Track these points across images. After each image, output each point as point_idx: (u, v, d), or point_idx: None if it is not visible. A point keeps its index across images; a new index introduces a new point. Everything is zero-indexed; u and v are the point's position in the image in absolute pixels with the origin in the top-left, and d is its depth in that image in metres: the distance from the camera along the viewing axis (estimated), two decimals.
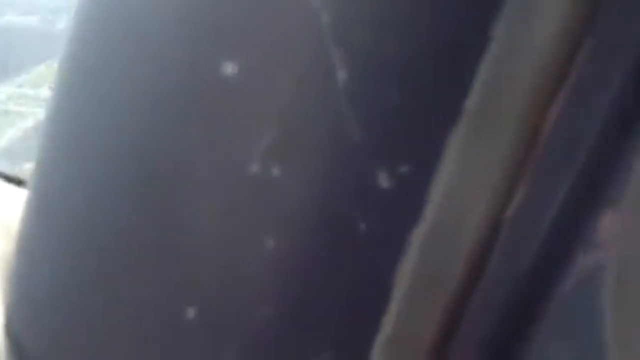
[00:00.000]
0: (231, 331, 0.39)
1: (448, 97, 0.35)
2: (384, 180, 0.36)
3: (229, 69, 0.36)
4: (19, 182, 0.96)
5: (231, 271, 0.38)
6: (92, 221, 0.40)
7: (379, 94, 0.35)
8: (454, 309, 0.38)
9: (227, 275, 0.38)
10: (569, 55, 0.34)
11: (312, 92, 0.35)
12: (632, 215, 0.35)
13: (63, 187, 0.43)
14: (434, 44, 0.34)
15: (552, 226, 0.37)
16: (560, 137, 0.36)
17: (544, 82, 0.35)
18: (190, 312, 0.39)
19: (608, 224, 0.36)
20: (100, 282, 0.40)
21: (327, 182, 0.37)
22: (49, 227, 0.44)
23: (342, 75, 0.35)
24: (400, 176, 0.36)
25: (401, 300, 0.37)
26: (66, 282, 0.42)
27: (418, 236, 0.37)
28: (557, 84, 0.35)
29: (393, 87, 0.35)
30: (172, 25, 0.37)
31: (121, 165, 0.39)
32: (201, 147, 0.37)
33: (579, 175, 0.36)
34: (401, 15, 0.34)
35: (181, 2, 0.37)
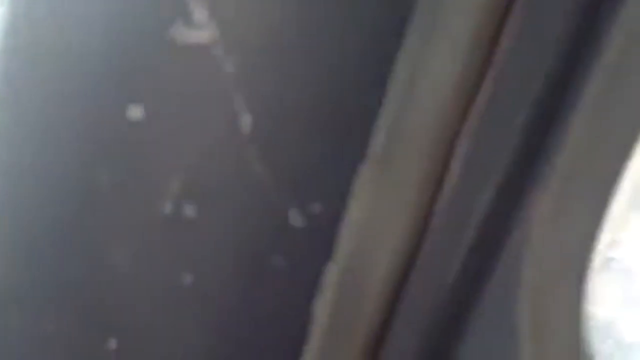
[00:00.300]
0: None
1: (353, 139, 0.35)
2: (296, 219, 0.36)
3: (136, 112, 0.36)
4: None
5: (151, 305, 0.39)
6: (19, 260, 0.41)
7: (284, 137, 0.35)
8: (373, 340, 0.38)
9: (147, 309, 0.39)
10: (470, 94, 0.35)
11: (217, 136, 0.35)
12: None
13: None
14: (334, 90, 0.34)
15: (474, 240, 0.37)
16: (472, 163, 0.36)
17: (447, 118, 0.35)
18: (112, 344, 0.39)
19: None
20: (28, 318, 0.41)
21: (240, 221, 0.37)
22: None
23: (246, 120, 0.35)
24: (311, 215, 0.36)
25: (321, 333, 0.38)
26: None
27: (332, 271, 0.37)
28: (462, 116, 0.35)
29: (297, 132, 0.35)
30: (82, 68, 0.37)
31: (42, 202, 0.40)
32: (113, 188, 0.37)
33: (497, 190, 0.36)
34: (301, 65, 0.34)
35: (93, 45, 0.37)
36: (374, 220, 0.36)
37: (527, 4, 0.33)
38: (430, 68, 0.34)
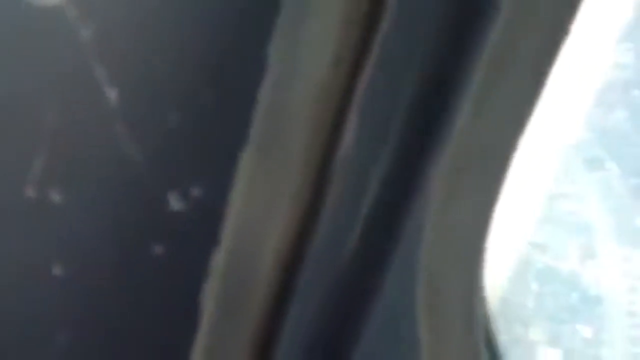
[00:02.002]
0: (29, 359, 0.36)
1: (232, 121, 0.31)
2: (176, 203, 0.32)
3: None
4: None
5: (22, 299, 0.35)
6: None
7: (156, 115, 0.31)
8: (264, 327, 0.35)
9: (18, 303, 0.35)
10: (350, 73, 0.31)
11: (80, 113, 0.31)
12: None
13: None
14: (208, 69, 0.30)
15: (366, 220, 0.34)
16: (360, 140, 0.32)
17: (330, 95, 0.31)
18: None
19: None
20: None
21: (114, 206, 0.33)
22: None
23: (112, 94, 0.31)
24: (193, 199, 0.32)
25: (211, 322, 0.34)
26: None
27: (220, 258, 0.33)
28: (346, 92, 0.31)
29: (170, 110, 0.31)
30: None
31: None
32: None
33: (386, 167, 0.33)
34: (169, 36, 0.30)
35: None
36: (259, 203, 0.33)
37: None
38: (308, 46, 0.30)
